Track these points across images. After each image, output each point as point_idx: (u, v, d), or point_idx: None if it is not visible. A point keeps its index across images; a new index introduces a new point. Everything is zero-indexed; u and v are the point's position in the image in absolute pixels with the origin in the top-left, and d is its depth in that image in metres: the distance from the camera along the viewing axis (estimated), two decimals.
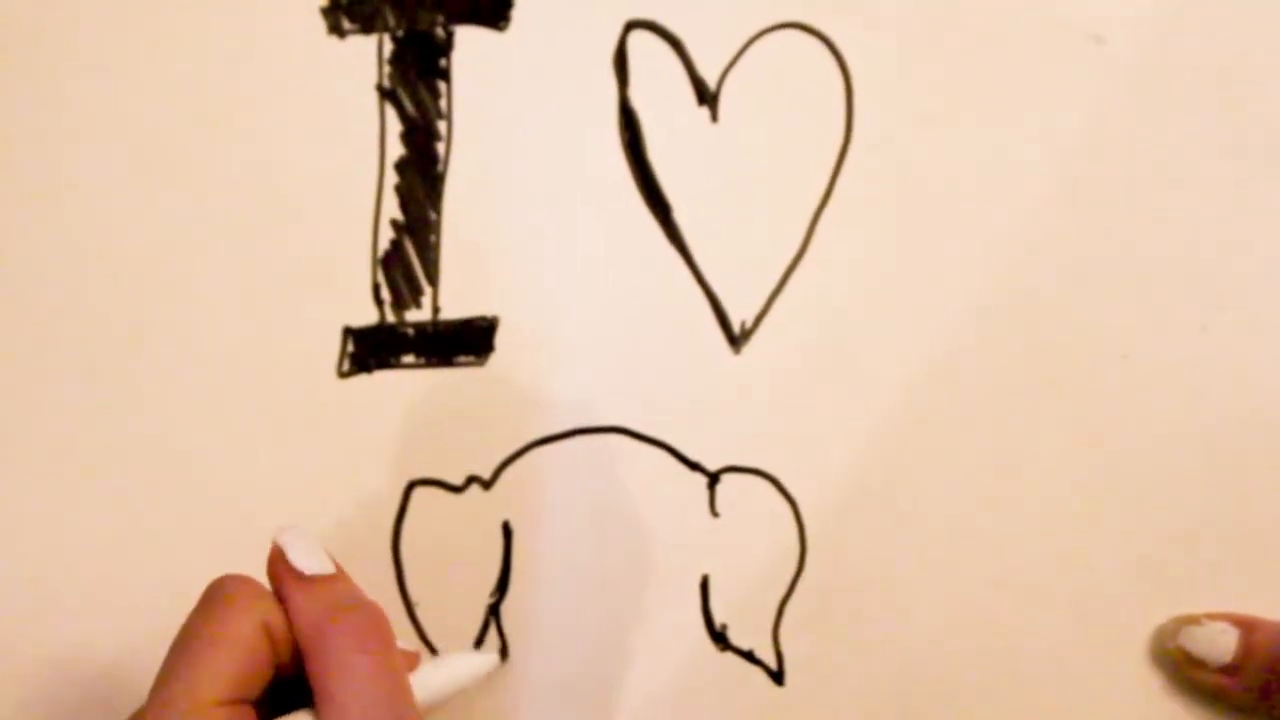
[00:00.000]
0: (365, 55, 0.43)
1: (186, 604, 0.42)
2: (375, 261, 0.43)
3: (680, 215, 0.43)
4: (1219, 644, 0.41)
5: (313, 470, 0.42)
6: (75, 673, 0.42)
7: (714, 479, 0.43)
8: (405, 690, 0.33)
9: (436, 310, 0.43)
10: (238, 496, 0.42)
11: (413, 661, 0.37)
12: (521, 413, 0.43)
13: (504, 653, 0.42)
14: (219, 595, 0.33)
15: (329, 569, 0.34)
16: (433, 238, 0.43)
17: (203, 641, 0.32)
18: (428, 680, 0.36)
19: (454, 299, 0.43)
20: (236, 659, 0.32)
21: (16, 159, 0.43)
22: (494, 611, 0.42)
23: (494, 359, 0.43)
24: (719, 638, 0.43)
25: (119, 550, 0.42)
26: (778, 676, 0.43)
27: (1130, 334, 0.43)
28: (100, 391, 0.42)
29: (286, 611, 0.33)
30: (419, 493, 0.42)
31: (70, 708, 0.42)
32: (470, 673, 0.38)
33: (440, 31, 0.43)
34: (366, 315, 0.43)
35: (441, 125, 0.43)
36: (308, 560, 0.34)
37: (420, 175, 0.43)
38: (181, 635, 0.33)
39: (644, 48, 0.43)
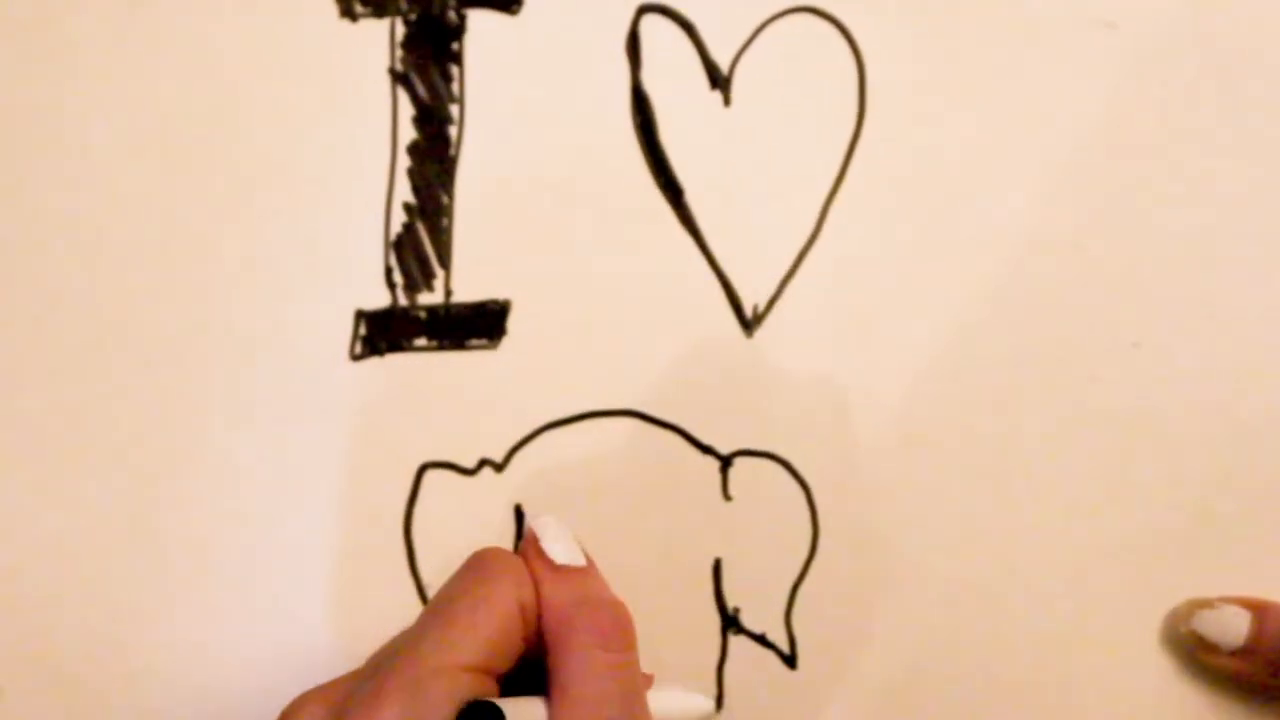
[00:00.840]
0: (377, 38, 0.43)
1: (199, 588, 0.42)
2: (387, 244, 0.43)
3: (692, 199, 0.43)
4: (1231, 627, 0.41)
5: (324, 453, 0.42)
6: (81, 663, 0.42)
7: (726, 462, 0.43)
8: (640, 693, 0.33)
9: (449, 293, 0.43)
10: (247, 480, 0.42)
11: (646, 683, 0.36)
12: (534, 396, 0.43)
13: (719, 701, 0.42)
14: (482, 565, 0.34)
15: (580, 561, 0.35)
16: (445, 221, 0.43)
17: (460, 606, 0.32)
18: (660, 707, 0.36)
19: (466, 282, 0.43)
20: (491, 629, 0.32)
21: (30, 138, 0.43)
22: None
23: (506, 342, 0.43)
24: (731, 621, 0.43)
25: (126, 535, 0.42)
26: (790, 660, 0.43)
27: (1142, 321, 0.43)
28: (111, 374, 0.42)
29: (538, 595, 0.33)
30: (431, 475, 0.42)
31: (72, 700, 0.42)
32: (687, 711, 0.38)
33: (453, 15, 0.43)
34: (379, 298, 0.43)
35: (454, 109, 0.43)
36: (561, 549, 0.35)
37: (433, 159, 0.43)
38: (440, 598, 0.33)
39: (656, 32, 0.43)
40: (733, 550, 0.43)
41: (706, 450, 0.43)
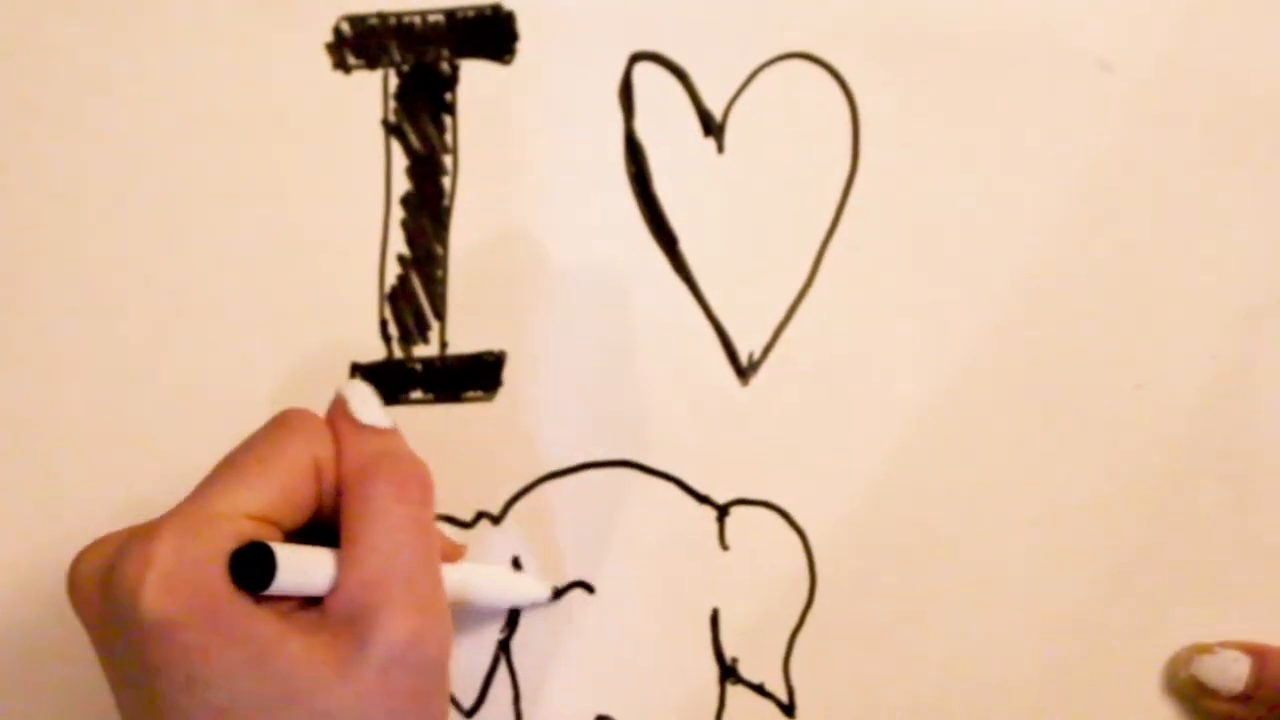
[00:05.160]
0: (370, 91, 0.43)
1: None
2: (382, 297, 0.43)
3: (687, 247, 0.43)
4: (1231, 673, 0.41)
5: None
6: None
7: (723, 511, 0.43)
8: (434, 549, 0.32)
9: (444, 345, 0.43)
10: None
11: (456, 553, 0.37)
12: (529, 447, 0.43)
13: (557, 594, 0.42)
14: (280, 422, 0.33)
15: (387, 423, 0.34)
16: (439, 272, 0.43)
17: (252, 457, 0.32)
18: (466, 575, 0.36)
19: (461, 334, 0.43)
20: (281, 480, 0.32)
21: (24, 197, 0.43)
22: (504, 647, 0.42)
23: (502, 394, 0.43)
24: (729, 671, 0.43)
25: None
26: (789, 709, 0.43)
27: (1143, 363, 0.43)
28: (106, 426, 0.42)
29: (338, 452, 0.33)
30: None
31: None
32: (514, 592, 0.37)
33: (445, 66, 0.43)
34: (374, 351, 0.43)
35: (447, 159, 0.43)
36: (367, 412, 0.34)
37: (426, 210, 0.43)
38: (232, 451, 0.33)
39: (650, 79, 0.43)
40: (730, 600, 0.43)
41: (703, 500, 0.43)
